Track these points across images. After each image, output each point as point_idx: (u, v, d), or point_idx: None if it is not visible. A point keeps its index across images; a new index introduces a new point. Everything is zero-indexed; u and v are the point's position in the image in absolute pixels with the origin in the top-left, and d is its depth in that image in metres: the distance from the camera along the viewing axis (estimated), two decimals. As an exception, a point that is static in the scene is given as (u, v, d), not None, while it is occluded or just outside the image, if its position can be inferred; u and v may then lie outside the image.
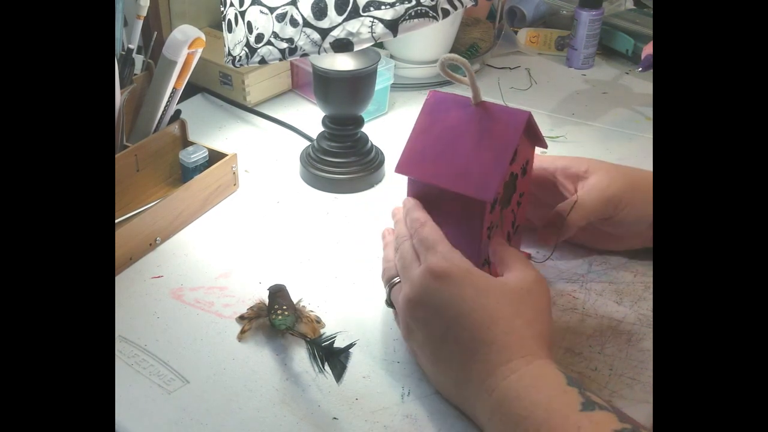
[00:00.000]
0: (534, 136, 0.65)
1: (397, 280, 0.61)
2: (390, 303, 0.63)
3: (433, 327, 0.56)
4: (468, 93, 0.65)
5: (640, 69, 0.99)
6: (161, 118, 0.83)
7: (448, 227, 0.65)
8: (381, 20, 0.67)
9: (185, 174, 0.82)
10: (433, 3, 0.68)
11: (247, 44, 0.73)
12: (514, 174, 0.64)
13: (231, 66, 0.76)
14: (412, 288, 0.57)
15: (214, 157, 0.83)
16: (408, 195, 0.67)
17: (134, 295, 0.70)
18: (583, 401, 0.49)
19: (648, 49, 1.00)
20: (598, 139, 0.98)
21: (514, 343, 0.53)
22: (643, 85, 1.12)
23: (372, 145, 0.89)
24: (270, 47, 0.71)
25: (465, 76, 0.64)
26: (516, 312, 0.55)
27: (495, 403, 0.52)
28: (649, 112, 1.04)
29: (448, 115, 0.64)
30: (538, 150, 0.69)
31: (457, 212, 0.63)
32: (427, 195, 0.65)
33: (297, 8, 0.68)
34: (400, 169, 0.65)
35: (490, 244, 0.63)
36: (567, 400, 0.49)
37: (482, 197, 0.60)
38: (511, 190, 0.65)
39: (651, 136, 0.97)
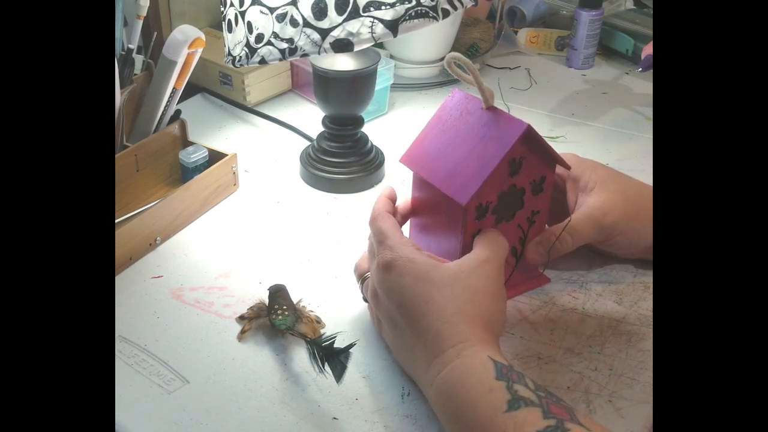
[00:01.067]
0: (544, 153, 0.63)
1: (368, 275, 0.64)
2: (365, 298, 0.65)
3: (388, 317, 0.59)
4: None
5: (640, 69, 0.99)
6: (161, 118, 0.83)
7: (438, 226, 0.65)
8: (381, 20, 0.67)
9: (185, 174, 0.83)
10: (433, 3, 0.68)
11: (247, 44, 0.73)
12: (518, 187, 0.63)
13: (231, 66, 0.76)
14: (372, 281, 0.61)
15: (214, 157, 0.83)
16: (412, 186, 0.68)
17: (134, 295, 0.70)
18: (510, 398, 0.48)
19: (648, 49, 1.00)
20: (598, 139, 0.98)
21: (445, 330, 0.54)
22: (643, 85, 1.12)
23: (372, 145, 0.89)
24: (270, 47, 0.71)
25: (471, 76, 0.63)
26: (449, 297, 0.55)
27: (434, 396, 0.53)
28: (649, 112, 1.04)
29: (459, 115, 0.64)
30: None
31: (445, 212, 0.64)
32: (424, 190, 0.66)
33: (297, 8, 0.69)
34: (403, 159, 0.66)
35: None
36: (493, 400, 0.48)
37: (458, 200, 0.60)
38: (516, 204, 0.65)
39: (651, 136, 0.97)
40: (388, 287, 0.57)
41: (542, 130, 0.97)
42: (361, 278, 0.65)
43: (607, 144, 0.96)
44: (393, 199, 0.66)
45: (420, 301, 0.55)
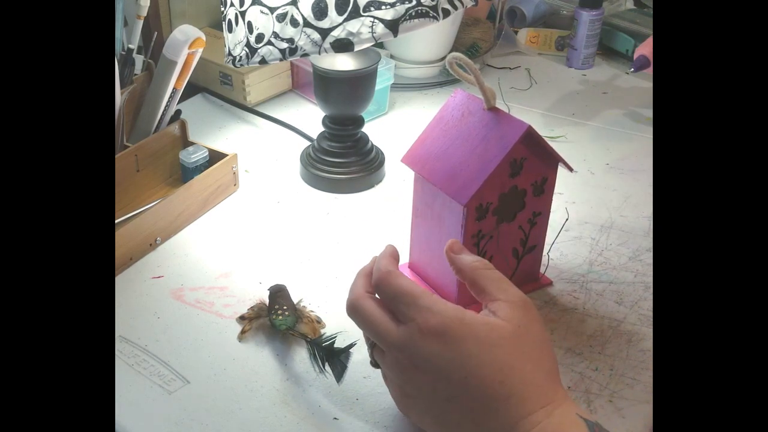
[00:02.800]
0: (545, 154, 0.63)
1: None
2: (376, 363, 0.55)
3: (438, 391, 0.50)
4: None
5: (632, 70, 0.99)
6: (161, 118, 0.83)
7: (439, 227, 0.65)
8: (381, 20, 0.67)
9: (185, 174, 0.82)
10: (434, 3, 0.68)
11: (248, 44, 0.73)
12: (519, 189, 0.64)
13: (231, 66, 0.76)
14: (402, 352, 0.50)
15: (215, 157, 0.83)
16: (413, 187, 0.67)
17: (134, 295, 0.70)
18: None
19: (641, 50, 0.99)
20: (598, 138, 0.98)
21: (532, 392, 0.49)
22: (643, 85, 1.12)
23: (372, 145, 0.89)
24: (270, 47, 0.71)
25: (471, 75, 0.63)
26: (522, 355, 0.49)
27: None
28: (649, 112, 1.04)
29: (461, 115, 0.64)
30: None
31: (446, 213, 0.64)
32: (425, 190, 0.66)
33: (297, 8, 0.68)
34: (405, 159, 0.66)
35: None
36: None
37: (458, 200, 0.60)
38: (518, 206, 0.65)
39: (651, 136, 0.97)
40: (444, 358, 0.49)
41: (542, 129, 0.97)
42: (371, 342, 0.55)
43: (607, 144, 0.96)
44: (397, 258, 0.56)
45: (494, 368, 0.48)
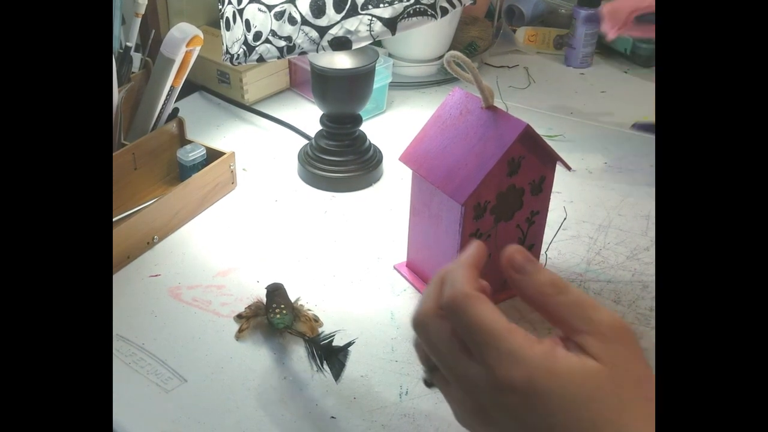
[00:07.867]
0: (543, 152, 0.63)
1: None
2: (430, 383, 0.46)
3: None
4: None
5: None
6: (159, 116, 0.82)
7: (437, 225, 0.65)
8: (379, 18, 0.67)
9: (183, 172, 0.82)
10: (432, 1, 0.68)
11: (245, 42, 0.72)
12: (517, 187, 0.64)
13: (229, 64, 0.76)
14: (472, 395, 0.42)
15: (212, 155, 0.83)
16: (411, 185, 0.67)
17: (132, 294, 0.69)
18: None
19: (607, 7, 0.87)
20: (597, 138, 0.98)
21: None
22: (641, 84, 1.12)
23: (370, 143, 0.89)
24: (268, 45, 0.71)
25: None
26: (621, 405, 0.41)
27: None
28: (647, 111, 1.04)
29: (459, 114, 0.64)
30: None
31: (444, 212, 0.64)
32: (423, 189, 0.66)
33: (295, 6, 0.68)
34: (402, 157, 0.66)
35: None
36: None
37: (456, 199, 0.60)
38: (515, 205, 0.65)
39: (649, 136, 0.97)
40: (525, 417, 0.41)
41: (541, 128, 0.97)
42: (429, 365, 0.46)
43: (605, 143, 0.96)
44: (480, 266, 0.44)
45: (586, 426, 0.40)
